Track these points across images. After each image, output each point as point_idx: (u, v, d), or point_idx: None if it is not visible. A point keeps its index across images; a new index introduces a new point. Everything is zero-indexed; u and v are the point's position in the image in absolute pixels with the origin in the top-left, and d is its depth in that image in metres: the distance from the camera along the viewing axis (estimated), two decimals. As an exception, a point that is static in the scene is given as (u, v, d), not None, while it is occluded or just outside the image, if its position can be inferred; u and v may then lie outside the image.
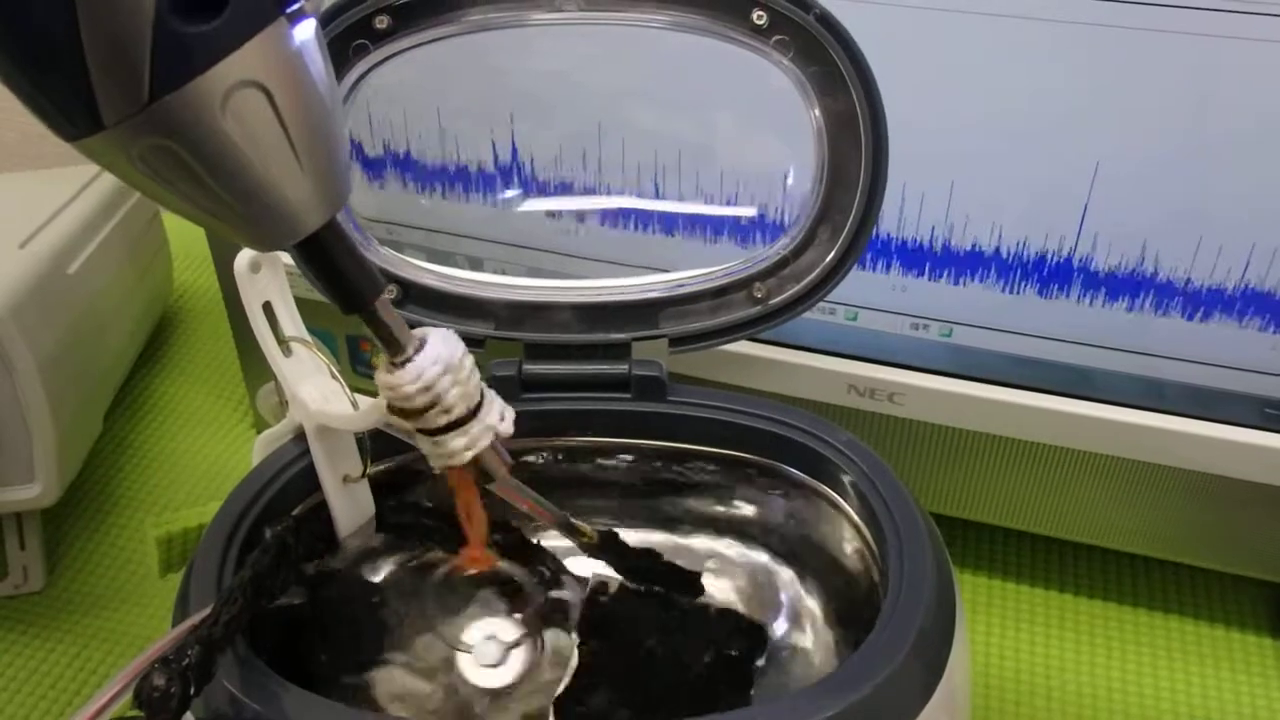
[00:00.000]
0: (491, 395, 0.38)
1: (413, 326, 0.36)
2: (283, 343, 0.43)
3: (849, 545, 0.46)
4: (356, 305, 0.34)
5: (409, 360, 0.35)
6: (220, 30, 0.27)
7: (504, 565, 0.46)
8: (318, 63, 0.30)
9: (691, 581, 0.47)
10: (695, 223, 0.54)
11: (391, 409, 0.37)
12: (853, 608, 0.46)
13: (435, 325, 0.37)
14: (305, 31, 0.29)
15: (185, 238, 0.85)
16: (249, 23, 0.28)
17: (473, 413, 0.37)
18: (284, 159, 0.29)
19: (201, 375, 0.80)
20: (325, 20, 0.45)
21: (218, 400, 0.77)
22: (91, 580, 0.64)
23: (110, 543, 0.66)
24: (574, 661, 0.44)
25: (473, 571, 0.44)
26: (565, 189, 0.55)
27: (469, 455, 0.37)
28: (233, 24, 0.27)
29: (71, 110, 0.27)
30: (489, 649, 0.45)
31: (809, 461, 0.46)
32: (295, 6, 0.29)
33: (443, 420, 0.36)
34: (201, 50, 0.27)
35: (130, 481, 0.70)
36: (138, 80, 0.26)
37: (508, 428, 0.38)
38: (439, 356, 0.35)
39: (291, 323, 0.43)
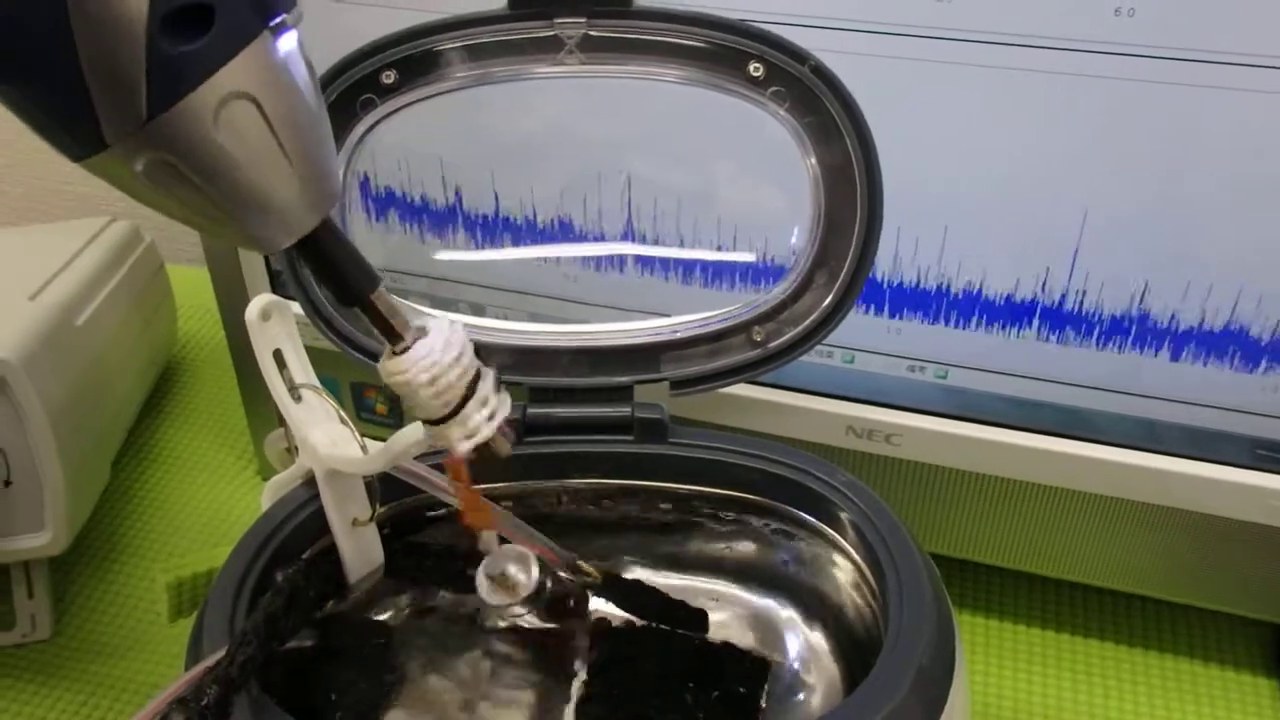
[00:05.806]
0: (487, 387, 0.38)
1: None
2: (293, 389, 0.44)
3: (849, 584, 0.46)
4: (356, 298, 0.35)
5: (406, 349, 0.36)
6: (208, 48, 0.29)
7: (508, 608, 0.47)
8: (302, 71, 0.32)
9: (697, 618, 0.47)
10: (695, 268, 0.55)
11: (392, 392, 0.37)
12: (853, 645, 0.46)
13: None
14: (289, 43, 0.31)
15: (189, 289, 0.86)
16: (235, 39, 0.29)
17: (464, 401, 0.37)
18: (277, 164, 0.31)
19: (206, 424, 0.80)
20: (332, 75, 0.47)
21: (222, 448, 0.78)
22: (98, 629, 0.64)
23: (117, 591, 0.66)
24: (578, 698, 0.45)
25: (478, 529, 0.44)
26: (567, 237, 0.56)
27: (468, 445, 0.37)
28: (219, 41, 0.29)
29: (77, 132, 0.29)
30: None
31: (810, 502, 0.47)
32: (278, 19, 0.30)
33: (438, 405, 0.37)
34: (192, 68, 0.29)
35: (137, 530, 0.71)
36: (135, 101, 0.28)
37: (490, 429, 0.38)
38: (432, 348, 0.36)
39: (301, 369, 0.44)
